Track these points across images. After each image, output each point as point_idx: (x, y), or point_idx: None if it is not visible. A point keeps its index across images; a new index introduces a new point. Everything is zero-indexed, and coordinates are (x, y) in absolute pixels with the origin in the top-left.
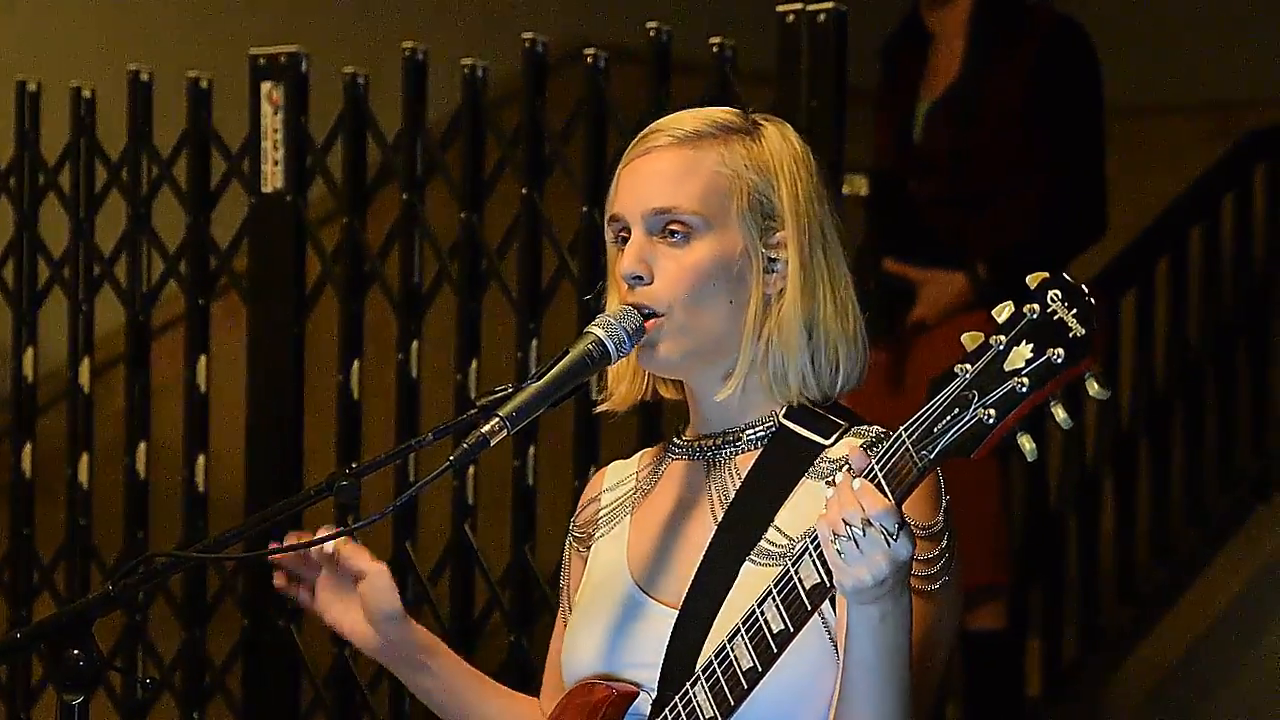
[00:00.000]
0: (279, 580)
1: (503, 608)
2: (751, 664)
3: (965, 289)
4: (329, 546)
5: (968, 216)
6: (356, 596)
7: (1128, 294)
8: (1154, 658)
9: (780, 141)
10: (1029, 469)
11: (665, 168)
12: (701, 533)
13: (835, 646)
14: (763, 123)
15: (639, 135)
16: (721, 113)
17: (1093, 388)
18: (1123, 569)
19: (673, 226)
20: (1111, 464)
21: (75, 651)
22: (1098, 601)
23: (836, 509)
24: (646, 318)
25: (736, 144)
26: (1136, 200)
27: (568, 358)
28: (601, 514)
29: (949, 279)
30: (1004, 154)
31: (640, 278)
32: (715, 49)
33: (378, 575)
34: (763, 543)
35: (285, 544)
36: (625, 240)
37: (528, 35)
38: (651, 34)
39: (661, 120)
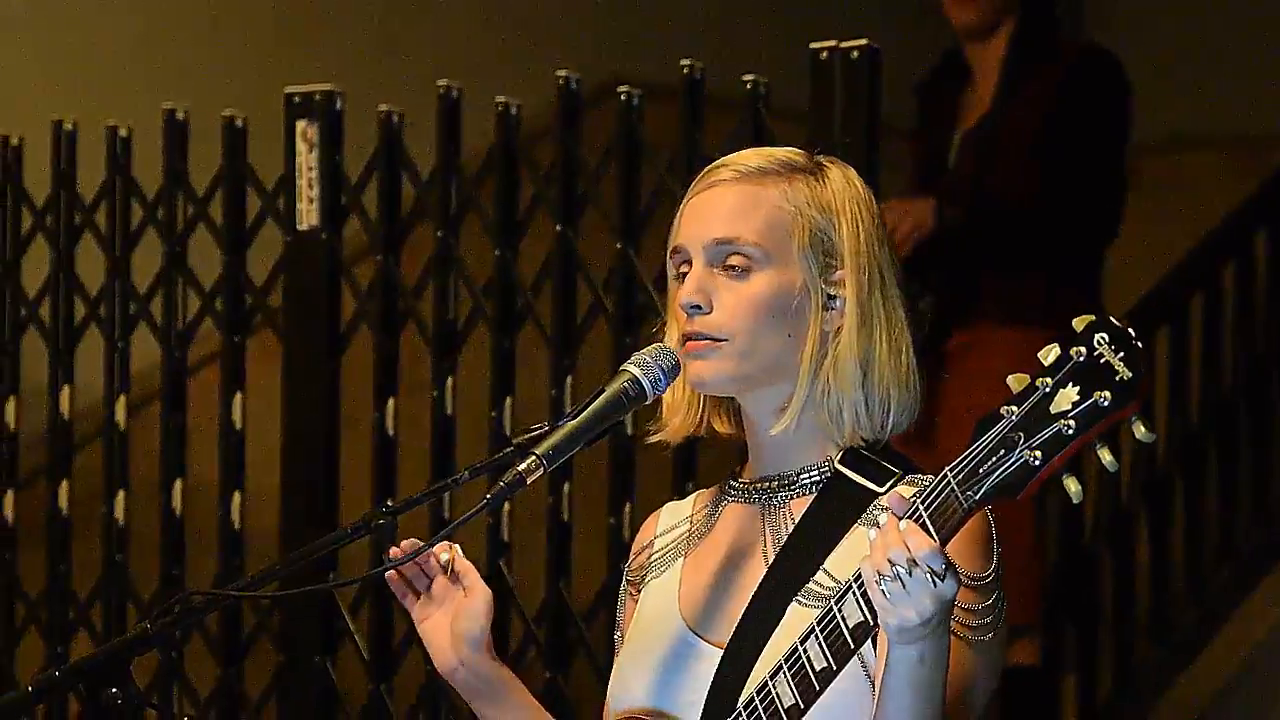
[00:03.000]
0: (392, 576)
1: (539, 645)
2: (794, 701)
3: (926, 219)
4: (440, 556)
5: (986, 242)
6: (449, 614)
7: (1161, 330)
8: (1188, 697)
9: (843, 183)
10: (1064, 506)
11: (728, 201)
12: (753, 575)
13: (871, 684)
14: (827, 164)
15: (703, 171)
16: (786, 152)
17: (1139, 430)
18: (1157, 606)
19: (733, 259)
20: (1145, 500)
21: (113, 690)
22: (1132, 639)
23: (882, 549)
24: (702, 341)
25: (800, 182)
26: (1168, 235)
27: (603, 396)
28: (654, 558)
29: (908, 206)
30: (1023, 181)
31: (699, 307)
32: (749, 86)
33: (477, 595)
34: (811, 584)
35: (394, 556)
36: (686, 274)
37: (561, 73)
38: (685, 71)
39: (726, 157)
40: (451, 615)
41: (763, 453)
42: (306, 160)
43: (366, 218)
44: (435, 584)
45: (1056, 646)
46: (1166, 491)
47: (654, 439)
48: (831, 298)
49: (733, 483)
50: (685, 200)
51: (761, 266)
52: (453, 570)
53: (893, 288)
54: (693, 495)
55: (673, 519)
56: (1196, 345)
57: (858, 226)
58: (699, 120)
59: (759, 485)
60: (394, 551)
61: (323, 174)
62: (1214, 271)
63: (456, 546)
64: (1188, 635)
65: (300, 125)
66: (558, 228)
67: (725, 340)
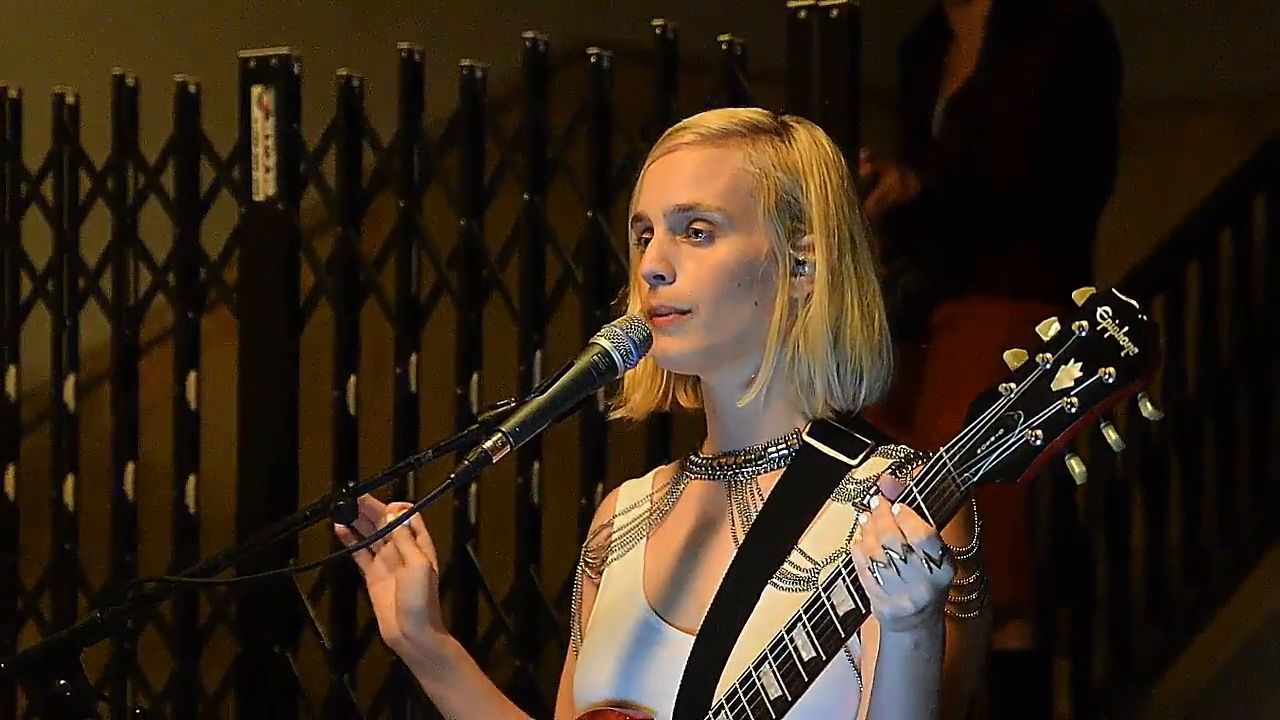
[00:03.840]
0: (340, 529)
1: (508, 632)
2: (780, 693)
3: (894, 189)
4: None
5: (973, 212)
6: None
7: (1155, 300)
8: (1187, 678)
9: (810, 143)
10: (1056, 484)
11: (690, 165)
12: (722, 556)
13: (858, 674)
14: (792, 124)
15: (664, 134)
16: (749, 112)
17: (1146, 408)
18: (1153, 587)
19: (696, 225)
20: (1141, 478)
21: (62, 682)
22: (1128, 621)
23: (874, 534)
24: (667, 315)
25: (764, 143)
26: (1160, 201)
27: (573, 370)
28: (614, 538)
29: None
30: (1010, 148)
31: (662, 276)
32: (724, 47)
33: (416, 568)
34: (786, 566)
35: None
36: (648, 241)
37: (528, 35)
38: (657, 32)
39: (687, 119)
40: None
41: (726, 427)
42: (262, 128)
43: (325, 187)
44: (386, 546)
45: (1049, 629)
46: (1162, 469)
47: (615, 414)
48: (800, 263)
49: (694, 458)
50: (645, 165)
51: (726, 232)
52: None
53: (864, 251)
54: (651, 473)
55: (632, 498)
56: (1193, 316)
57: (826, 188)
58: (672, 83)
59: (723, 461)
60: (340, 530)
61: (280, 142)
62: (1211, 239)
63: (408, 507)
64: (1185, 617)
65: (256, 91)
66: (525, 196)
67: (689, 312)
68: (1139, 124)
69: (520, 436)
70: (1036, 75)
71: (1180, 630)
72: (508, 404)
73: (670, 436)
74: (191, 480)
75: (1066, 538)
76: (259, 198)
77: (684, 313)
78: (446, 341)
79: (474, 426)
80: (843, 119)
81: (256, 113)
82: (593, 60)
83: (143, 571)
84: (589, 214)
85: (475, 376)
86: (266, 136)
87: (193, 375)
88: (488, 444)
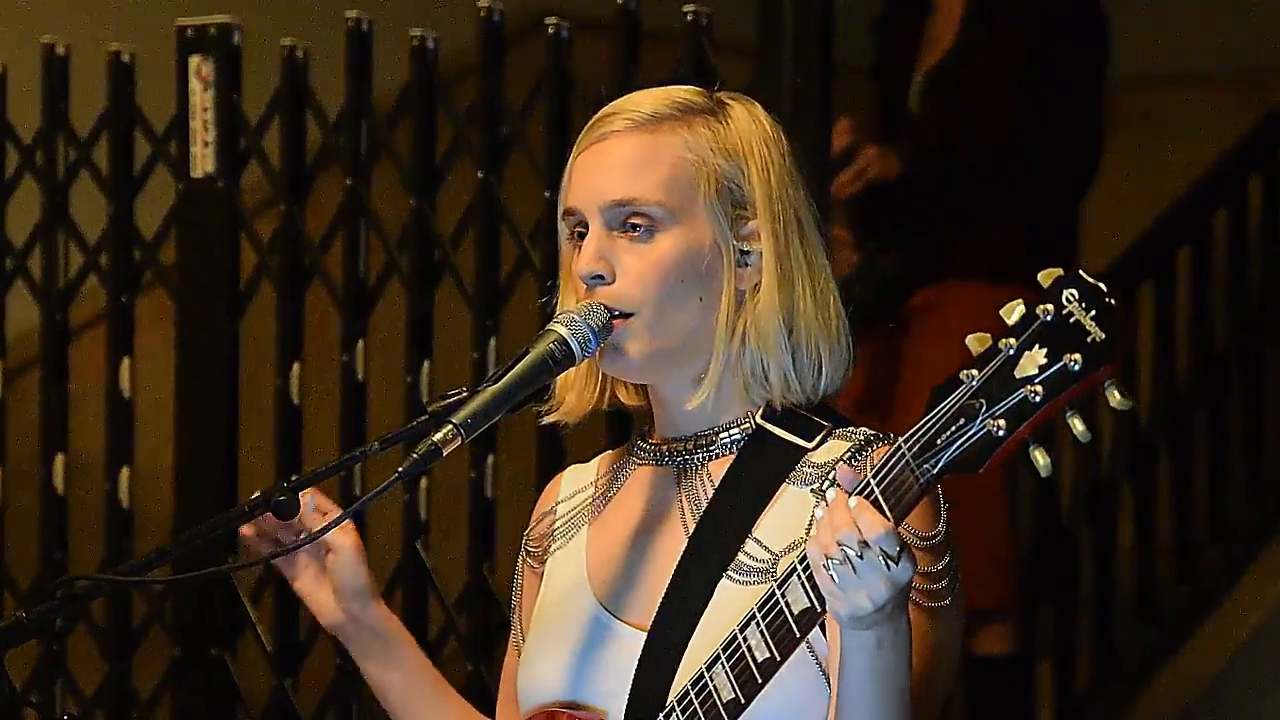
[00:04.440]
0: (246, 530)
1: (459, 633)
2: (733, 695)
3: (874, 164)
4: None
5: (952, 192)
6: (326, 570)
7: (1145, 286)
8: (1176, 684)
9: (748, 121)
10: (1039, 479)
11: (623, 155)
12: (672, 546)
13: (826, 678)
14: (729, 101)
15: (592, 120)
16: (683, 92)
17: (1114, 397)
18: (1141, 588)
19: (634, 220)
20: (1129, 473)
21: None
22: (1114, 623)
23: (829, 530)
24: (614, 318)
25: (700, 126)
26: (1153, 182)
27: (528, 358)
28: (557, 525)
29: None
30: (991, 125)
31: (600, 277)
32: (689, 18)
33: (346, 549)
34: (740, 556)
35: (258, 541)
36: (582, 236)
37: (483, 3)
38: (619, 1)
39: (616, 103)
40: (323, 568)
41: (674, 419)
42: (201, 100)
43: (268, 164)
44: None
45: (1031, 631)
46: (1151, 463)
47: (548, 419)
48: (745, 252)
49: (641, 443)
50: (575, 153)
51: (666, 226)
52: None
53: (813, 233)
54: (598, 457)
55: (576, 483)
56: (1184, 303)
57: (768, 170)
58: (635, 56)
59: (672, 446)
60: (246, 530)
61: (219, 115)
62: (1203, 221)
63: (309, 495)
64: (1175, 619)
65: (194, 61)
66: (480, 175)
67: (632, 315)
68: (1127, 99)
69: (472, 428)
70: (1018, 47)
71: (1170, 632)
72: (460, 394)
73: (632, 426)
74: (125, 473)
75: (1050, 535)
76: (197, 174)
77: (626, 316)
78: (396, 328)
79: (424, 417)
80: (815, 94)
81: (195, 84)
82: (551, 31)
83: (73, 569)
84: (546, 194)
85: (426, 364)
86: (205, 109)
87: (126, 362)
88: (438, 436)
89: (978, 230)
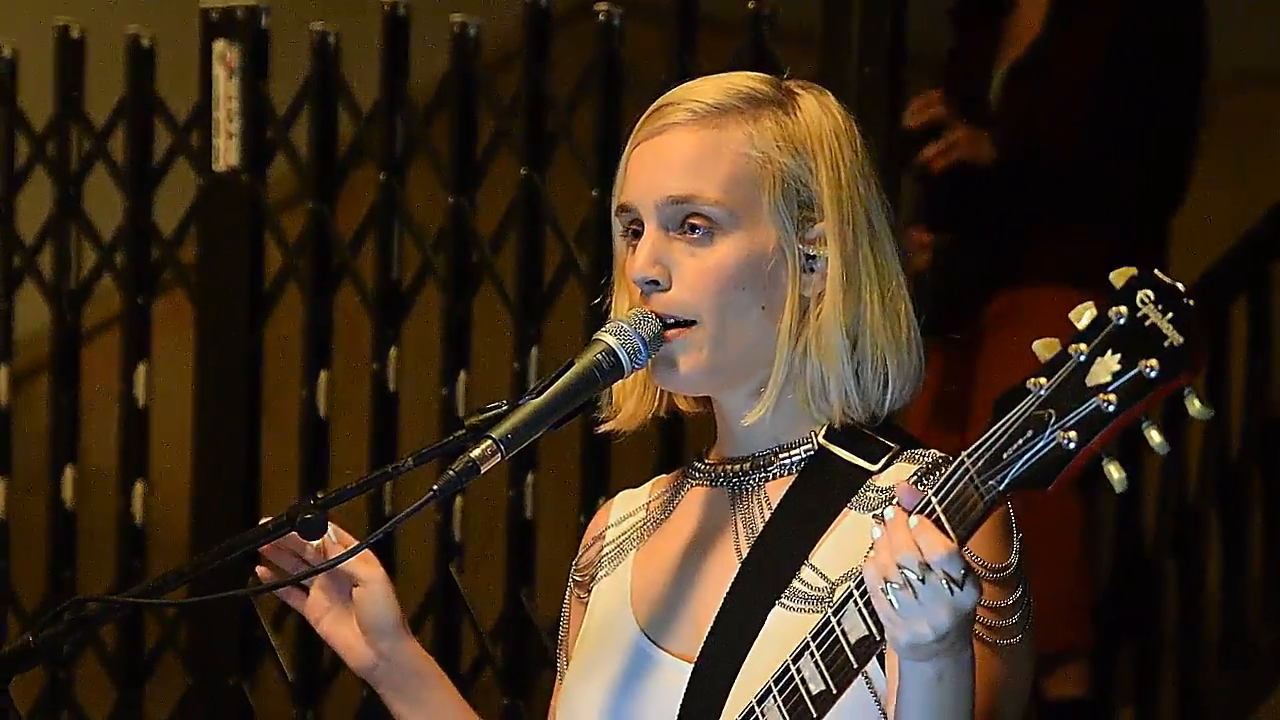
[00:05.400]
0: (262, 572)
1: (494, 664)
2: None
3: (961, 143)
4: (317, 553)
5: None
6: (351, 606)
7: (1239, 299)
8: None
9: (819, 113)
10: (1119, 505)
11: (683, 150)
12: (723, 572)
13: (881, 712)
14: (798, 91)
15: (649, 110)
16: (748, 80)
17: (1193, 406)
18: (1230, 626)
19: (693, 220)
20: (1218, 499)
21: None
22: (1200, 664)
23: (888, 551)
24: (668, 327)
25: (767, 119)
26: (1247, 188)
27: (573, 370)
28: (605, 553)
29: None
30: (1079, 123)
31: (655, 282)
32: (750, 6)
33: (375, 583)
34: (795, 584)
35: (275, 565)
36: (637, 235)
37: None
38: None
39: (676, 91)
40: (350, 607)
41: (734, 434)
42: (225, 88)
43: (296, 157)
44: (320, 577)
45: (1109, 673)
46: (1242, 489)
47: (605, 428)
48: (810, 257)
49: (697, 463)
50: (630, 146)
51: (727, 229)
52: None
53: (884, 235)
54: (651, 481)
55: (627, 508)
56: None
57: (839, 168)
58: (691, 45)
59: (728, 466)
60: (266, 550)
61: (244, 105)
62: None
63: (330, 529)
64: (1266, 659)
65: (219, 47)
66: (523, 171)
67: (691, 323)
68: (1225, 100)
69: (512, 444)
70: (1106, 42)
71: (1260, 674)
72: (499, 407)
73: (684, 443)
74: (139, 487)
75: (1131, 568)
76: (220, 167)
77: (682, 325)
78: (431, 335)
79: (460, 432)
80: (884, 88)
81: (219, 71)
82: (601, 17)
83: (82, 589)
84: (594, 192)
85: (463, 375)
86: (230, 98)
87: (142, 368)
88: (475, 452)
89: (1060, 232)
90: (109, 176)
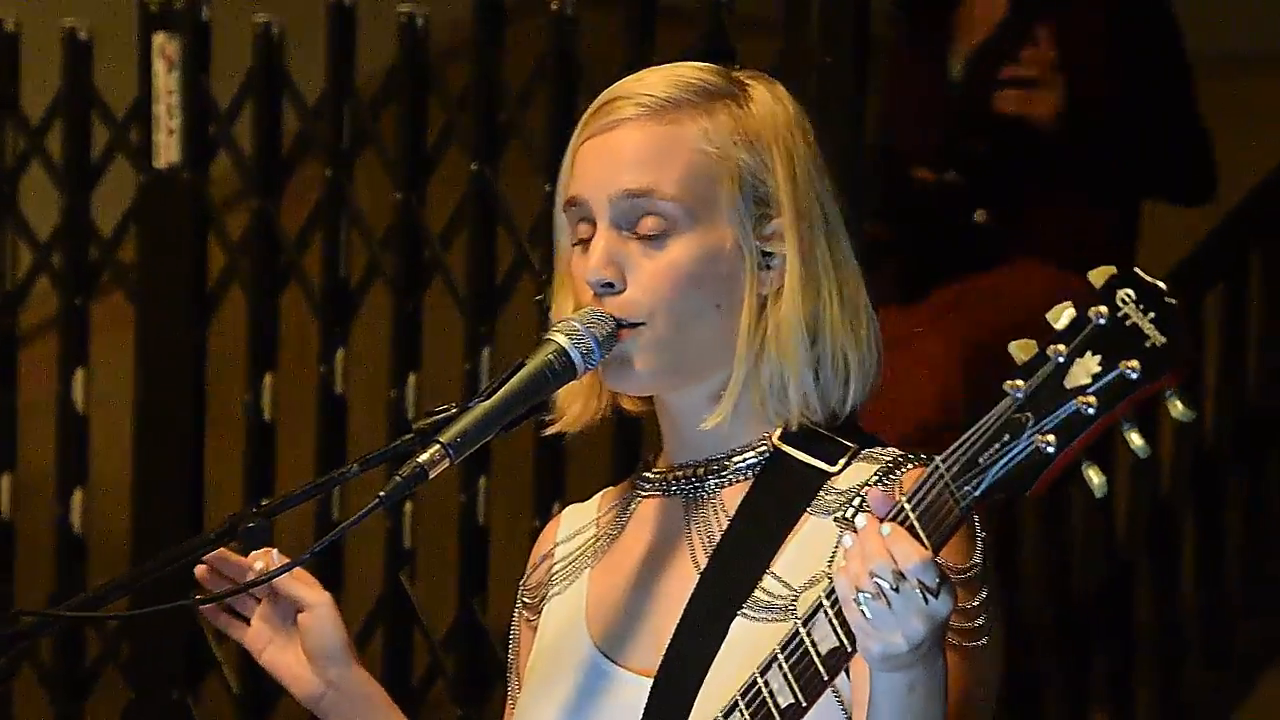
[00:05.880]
0: (200, 570)
1: (446, 675)
2: None
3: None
4: (254, 564)
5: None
6: (295, 633)
7: (1214, 290)
8: None
9: (772, 105)
10: (1091, 504)
11: (637, 145)
12: (680, 584)
13: (847, 717)
14: (749, 82)
15: (597, 103)
16: (698, 72)
17: (1175, 407)
18: (1209, 623)
19: (647, 223)
20: (1193, 496)
21: None
22: (1178, 665)
23: (860, 560)
24: (622, 327)
25: (721, 113)
26: (1230, 175)
27: (524, 371)
28: (555, 571)
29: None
30: (1075, 111)
31: (611, 285)
32: None
33: (321, 606)
34: (757, 593)
35: (212, 590)
36: (587, 235)
37: None
38: None
39: (624, 84)
40: (294, 634)
41: (685, 439)
42: (165, 83)
43: (239, 153)
44: (261, 605)
45: (1085, 675)
46: (1219, 483)
47: (552, 430)
48: (767, 254)
49: (646, 474)
50: (577, 139)
51: (683, 228)
52: (275, 585)
53: (839, 228)
54: (598, 495)
55: (575, 524)
56: (1257, 308)
57: (793, 161)
58: (648, 34)
59: (680, 473)
60: (200, 572)
61: (185, 100)
62: (1279, 219)
63: (273, 551)
64: (1246, 660)
65: (158, 40)
66: (473, 166)
67: (643, 324)
68: (1202, 84)
69: (462, 448)
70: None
71: (1240, 674)
72: (449, 409)
73: (640, 445)
74: (78, 495)
75: (1105, 565)
76: (161, 164)
77: (635, 325)
78: (379, 335)
79: (409, 436)
80: (847, 77)
81: (158, 65)
82: (554, 7)
83: (19, 602)
84: (546, 188)
85: (412, 377)
86: (170, 93)
87: (80, 372)
88: (424, 456)
89: (1042, 211)
90: (45, 174)
